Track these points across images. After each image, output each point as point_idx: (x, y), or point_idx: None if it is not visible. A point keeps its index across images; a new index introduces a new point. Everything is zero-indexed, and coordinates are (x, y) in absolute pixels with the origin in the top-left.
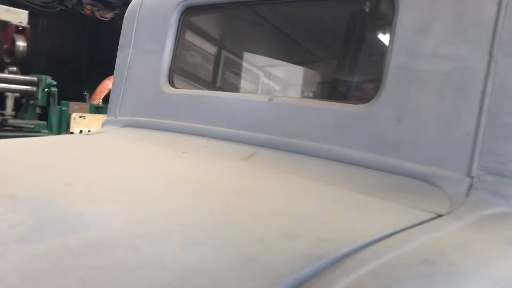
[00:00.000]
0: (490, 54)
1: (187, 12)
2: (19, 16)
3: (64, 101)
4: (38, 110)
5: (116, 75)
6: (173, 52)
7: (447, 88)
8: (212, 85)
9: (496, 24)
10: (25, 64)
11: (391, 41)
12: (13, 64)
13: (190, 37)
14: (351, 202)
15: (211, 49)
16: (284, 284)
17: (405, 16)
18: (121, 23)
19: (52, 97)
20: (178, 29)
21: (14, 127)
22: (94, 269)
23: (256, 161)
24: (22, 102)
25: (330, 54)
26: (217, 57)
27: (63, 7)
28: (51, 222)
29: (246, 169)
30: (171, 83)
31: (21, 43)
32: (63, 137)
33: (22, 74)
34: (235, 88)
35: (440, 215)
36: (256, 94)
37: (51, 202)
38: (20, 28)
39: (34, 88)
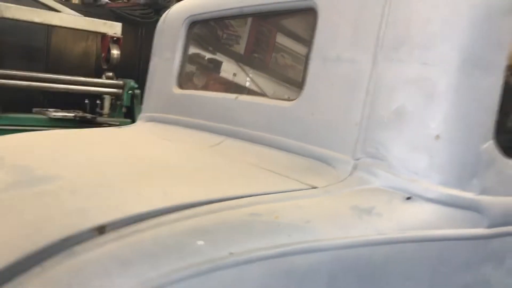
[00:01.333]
0: (374, 58)
1: (192, 26)
2: (114, 28)
3: None
4: (124, 109)
5: (148, 79)
6: (182, 59)
7: (345, 87)
8: (203, 85)
9: (378, 33)
10: (124, 70)
11: (310, 50)
12: (109, 70)
13: (193, 47)
14: (247, 174)
15: (204, 56)
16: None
17: (321, 30)
18: None
19: (136, 98)
20: (185, 40)
21: (101, 123)
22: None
23: (217, 148)
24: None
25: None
26: (208, 62)
27: (158, 17)
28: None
29: (198, 153)
30: (179, 85)
31: (115, 52)
32: (102, 129)
33: (118, 78)
34: (217, 88)
35: (314, 187)
36: (228, 93)
37: (37, 169)
38: (115, 38)
39: (121, 91)
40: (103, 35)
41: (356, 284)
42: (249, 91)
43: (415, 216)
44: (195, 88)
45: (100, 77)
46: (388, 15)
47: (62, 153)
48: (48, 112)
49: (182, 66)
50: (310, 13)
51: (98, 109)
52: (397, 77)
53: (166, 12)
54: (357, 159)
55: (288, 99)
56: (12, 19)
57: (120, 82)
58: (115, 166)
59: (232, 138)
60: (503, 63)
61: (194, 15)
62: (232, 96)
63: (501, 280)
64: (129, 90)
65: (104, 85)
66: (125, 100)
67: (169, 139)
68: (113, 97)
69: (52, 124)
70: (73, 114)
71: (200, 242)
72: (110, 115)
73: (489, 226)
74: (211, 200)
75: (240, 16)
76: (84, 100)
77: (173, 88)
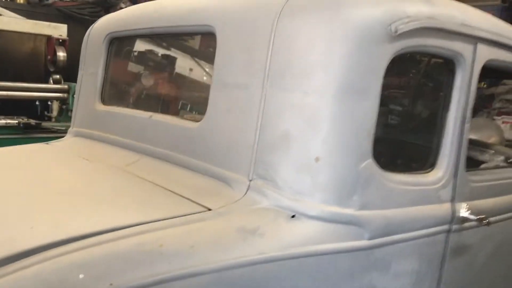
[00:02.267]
0: (263, 84)
1: (112, 42)
2: (59, 30)
3: None
4: (70, 113)
5: (76, 93)
6: (104, 75)
7: (239, 110)
8: (122, 102)
9: (266, 60)
10: (74, 71)
11: (213, 76)
12: (56, 73)
13: (113, 62)
14: (147, 199)
15: (125, 72)
16: None
17: (219, 55)
18: None
19: None
20: (106, 56)
21: (47, 129)
22: None
23: (130, 168)
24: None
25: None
26: (128, 78)
27: None
28: None
29: (108, 175)
30: (102, 101)
31: (61, 54)
32: (25, 148)
33: (65, 81)
34: (136, 106)
35: (209, 209)
36: (142, 111)
37: None
38: (61, 40)
39: (66, 95)
40: (49, 37)
41: None
42: (162, 110)
43: (297, 233)
44: (117, 104)
45: (47, 80)
46: (273, 44)
47: None
48: None
49: (105, 82)
50: (212, 38)
51: (46, 113)
52: (282, 103)
53: (91, 26)
54: (251, 180)
55: (195, 120)
56: None
57: (65, 86)
58: (18, 194)
59: (147, 156)
60: (377, 88)
61: (114, 32)
62: (147, 114)
63: (388, 285)
64: (74, 94)
65: (49, 90)
66: (71, 104)
67: (88, 158)
68: (59, 102)
69: None
70: (17, 121)
71: (81, 276)
72: (57, 119)
73: (370, 238)
74: (101, 231)
75: (152, 36)
76: (33, 105)
77: (96, 104)
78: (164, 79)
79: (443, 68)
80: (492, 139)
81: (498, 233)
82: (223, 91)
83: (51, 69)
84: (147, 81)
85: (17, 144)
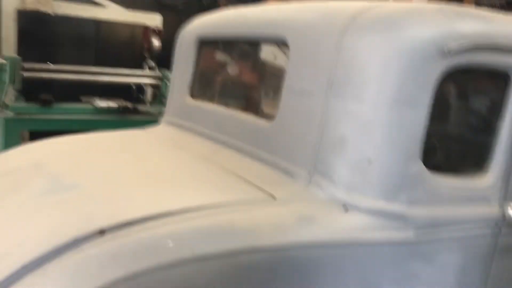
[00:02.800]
0: (326, 93)
1: (201, 44)
2: (154, 20)
3: None
4: (163, 99)
5: (170, 86)
6: (193, 72)
7: (305, 114)
8: (207, 97)
9: (330, 72)
10: (168, 58)
11: (283, 83)
12: (151, 60)
13: (202, 62)
14: (226, 184)
15: (210, 71)
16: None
17: (291, 66)
18: None
19: None
20: (196, 55)
21: (142, 112)
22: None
23: (213, 157)
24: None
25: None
26: (213, 77)
27: (201, 6)
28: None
29: (195, 163)
30: (192, 95)
31: (156, 43)
32: (126, 133)
33: (159, 68)
34: (218, 101)
35: (274, 197)
36: (224, 107)
37: (64, 178)
38: (156, 30)
39: (159, 81)
40: (146, 27)
41: (293, 279)
42: (241, 106)
43: (348, 223)
44: (204, 99)
45: (143, 67)
46: (338, 57)
47: (87, 161)
48: (95, 102)
49: (194, 78)
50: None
51: (141, 96)
52: (341, 110)
53: (184, 28)
54: (311, 175)
55: (269, 119)
56: (63, 15)
57: (159, 73)
58: (123, 175)
59: (226, 147)
60: (427, 100)
61: (203, 35)
62: (228, 112)
63: (431, 276)
64: (167, 80)
65: (144, 76)
66: (163, 90)
67: (179, 146)
68: (153, 87)
69: (98, 113)
70: (117, 105)
71: (171, 244)
72: (151, 103)
73: (416, 231)
74: (187, 209)
75: (235, 40)
76: (129, 89)
77: (186, 98)
78: (245, 78)
79: (498, 80)
80: None
81: None
82: (292, 96)
83: (147, 57)
84: (230, 79)
85: (115, 125)
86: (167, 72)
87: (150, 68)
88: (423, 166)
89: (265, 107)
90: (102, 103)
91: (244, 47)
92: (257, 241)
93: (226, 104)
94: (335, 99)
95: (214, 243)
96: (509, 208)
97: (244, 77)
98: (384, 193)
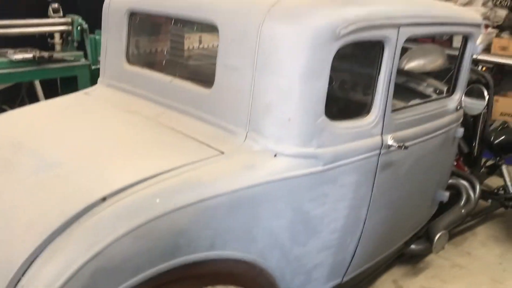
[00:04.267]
0: (252, 69)
1: (132, 15)
2: None
3: (98, 30)
4: (75, 44)
5: (102, 50)
6: (127, 40)
7: (237, 85)
8: (146, 64)
9: (254, 53)
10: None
11: (217, 57)
12: (54, 1)
13: (134, 31)
14: (181, 146)
15: (145, 39)
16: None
17: (221, 45)
18: None
19: (84, 32)
20: (128, 26)
21: (58, 60)
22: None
23: (160, 120)
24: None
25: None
26: (149, 44)
27: None
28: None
29: (149, 126)
30: (129, 61)
31: None
32: (76, 99)
33: (64, 13)
34: (155, 68)
35: (222, 152)
36: (164, 74)
37: (47, 155)
38: None
39: (70, 27)
40: None
41: (245, 212)
42: (180, 75)
43: (278, 166)
44: (142, 66)
45: (46, 12)
46: (259, 40)
47: (58, 136)
48: (9, 55)
49: (129, 46)
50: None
51: (50, 43)
52: (266, 82)
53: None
54: (247, 132)
55: (207, 86)
56: None
57: (69, 20)
58: (97, 147)
59: (171, 109)
60: (327, 71)
61: (133, 8)
62: (168, 79)
63: (336, 191)
64: (77, 26)
65: (54, 24)
66: (76, 36)
67: (126, 109)
68: (63, 34)
69: (13, 65)
70: (32, 55)
71: (158, 200)
72: (63, 49)
73: (324, 165)
74: (162, 172)
75: (163, 16)
76: (41, 39)
77: (123, 64)
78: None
79: (376, 46)
80: (438, 63)
81: (414, 152)
82: (224, 70)
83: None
84: (167, 48)
85: (33, 76)
86: (76, 18)
87: (55, 11)
88: (326, 118)
89: (202, 76)
90: (17, 56)
91: (177, 24)
92: (217, 189)
93: (165, 71)
94: (259, 74)
95: (189, 195)
96: (386, 138)
97: (181, 47)
98: (301, 141)
